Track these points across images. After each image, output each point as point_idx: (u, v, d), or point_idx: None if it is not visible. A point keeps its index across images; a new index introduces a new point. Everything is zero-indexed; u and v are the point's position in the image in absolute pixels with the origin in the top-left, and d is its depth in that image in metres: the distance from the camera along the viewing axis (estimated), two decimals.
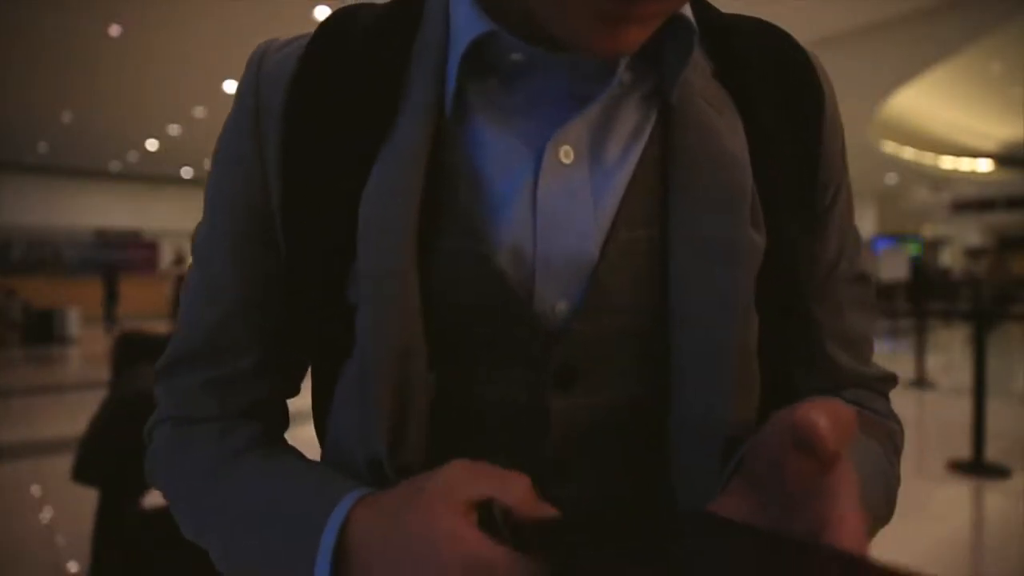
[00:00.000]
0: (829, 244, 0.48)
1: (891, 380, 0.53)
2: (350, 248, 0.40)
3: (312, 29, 0.46)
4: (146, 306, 14.77)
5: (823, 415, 0.29)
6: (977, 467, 3.83)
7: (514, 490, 0.33)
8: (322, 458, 0.47)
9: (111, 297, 12.20)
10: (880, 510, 0.44)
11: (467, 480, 0.33)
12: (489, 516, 0.32)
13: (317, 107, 0.43)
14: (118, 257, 15.92)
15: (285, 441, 0.51)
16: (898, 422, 0.51)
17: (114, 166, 15.51)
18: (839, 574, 0.23)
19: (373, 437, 0.39)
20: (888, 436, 0.49)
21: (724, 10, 0.48)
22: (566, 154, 0.41)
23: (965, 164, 16.99)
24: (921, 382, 6.60)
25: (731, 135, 0.42)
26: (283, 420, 0.52)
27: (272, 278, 0.46)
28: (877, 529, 0.45)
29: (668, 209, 0.41)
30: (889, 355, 9.84)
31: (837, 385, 0.50)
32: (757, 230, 0.41)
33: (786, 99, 0.45)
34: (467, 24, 0.40)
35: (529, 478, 0.34)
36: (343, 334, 0.41)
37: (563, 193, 0.40)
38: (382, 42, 0.43)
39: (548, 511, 0.34)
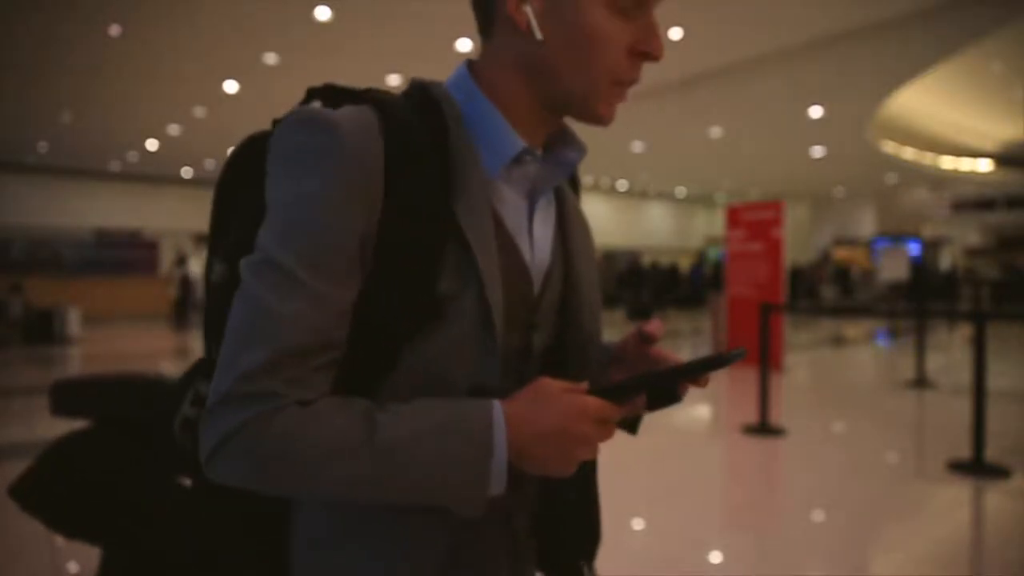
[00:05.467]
0: None
1: None
2: (437, 260, 0.63)
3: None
4: (146, 306, 14.77)
5: (652, 325, 0.72)
6: (977, 467, 3.83)
7: (572, 387, 0.64)
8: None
9: None
10: None
11: (555, 382, 0.64)
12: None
13: (408, 169, 0.64)
14: (118, 257, 15.92)
15: None
16: None
17: (114, 166, 15.51)
18: (672, 371, 0.65)
19: (491, 370, 0.65)
20: None
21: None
22: (540, 208, 0.75)
23: (965, 164, 16.99)
24: (921, 382, 6.62)
25: (577, 202, 0.85)
26: None
27: (357, 288, 0.62)
28: None
29: (565, 239, 0.78)
30: (889, 355, 9.83)
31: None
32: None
33: (573, 184, 0.88)
34: (502, 137, 0.69)
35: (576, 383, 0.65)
36: (429, 313, 0.63)
37: (541, 230, 0.75)
38: (430, 126, 0.67)
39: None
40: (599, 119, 0.69)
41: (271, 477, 0.57)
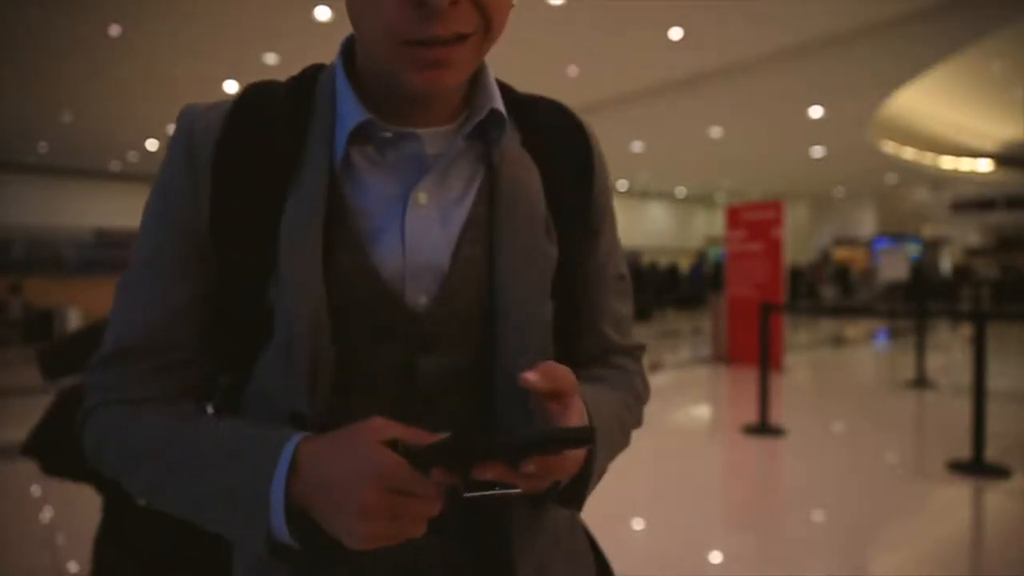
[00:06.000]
0: (599, 251, 0.70)
1: (642, 348, 0.76)
2: (268, 264, 0.56)
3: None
4: None
5: (538, 374, 0.52)
6: (977, 467, 3.83)
7: (414, 436, 0.51)
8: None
9: None
10: (615, 436, 0.66)
11: (386, 426, 0.51)
12: (395, 447, 0.50)
13: (239, 158, 0.58)
14: (118, 257, 15.91)
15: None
16: (644, 379, 0.75)
17: (114, 166, 15.50)
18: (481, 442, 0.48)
19: (297, 393, 0.55)
20: (630, 388, 0.72)
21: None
22: (423, 197, 0.60)
23: (965, 164, 16.97)
24: (921, 382, 6.61)
25: (532, 184, 0.64)
26: (203, 392, 0.65)
27: (203, 286, 0.59)
28: (618, 450, 0.67)
29: (494, 233, 0.61)
30: (889, 355, 9.83)
31: (606, 352, 0.72)
32: (551, 244, 0.63)
33: (568, 157, 0.68)
34: (350, 111, 0.59)
35: (426, 431, 0.52)
36: (263, 324, 0.57)
37: (421, 224, 0.59)
38: (286, 110, 0.61)
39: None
40: (412, 87, 0.55)
41: (102, 465, 0.61)
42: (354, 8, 0.54)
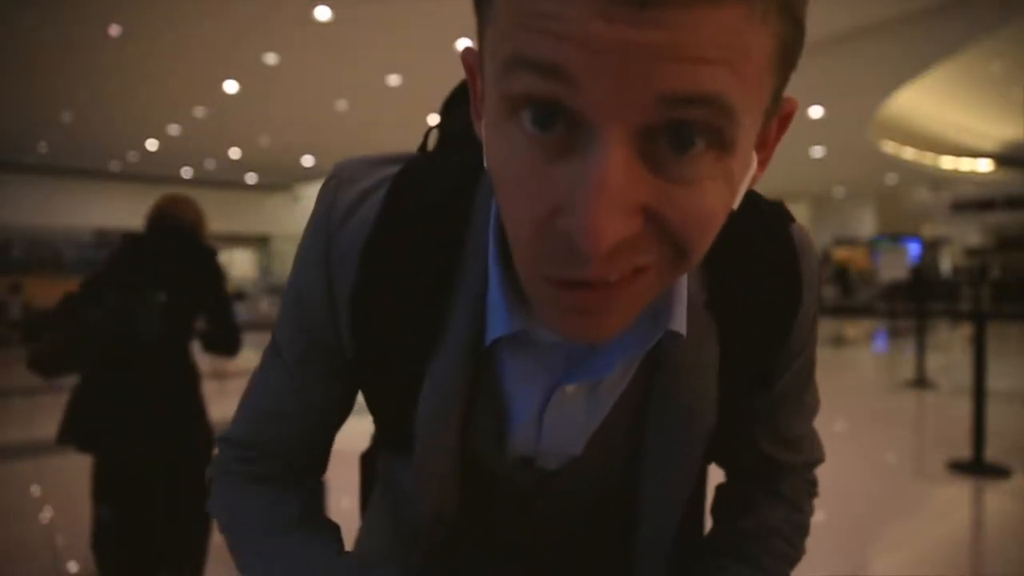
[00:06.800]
0: (776, 389, 0.59)
1: (819, 461, 0.68)
2: (411, 409, 0.54)
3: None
4: None
5: None
6: (977, 467, 3.83)
7: None
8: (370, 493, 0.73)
9: None
10: None
11: None
12: None
13: (381, 308, 0.52)
14: None
15: (323, 513, 0.64)
16: (810, 498, 0.68)
17: (114, 166, 15.50)
18: None
19: (417, 525, 0.61)
20: (800, 534, 0.66)
21: None
22: (570, 388, 0.52)
23: (965, 164, 16.96)
24: (921, 382, 6.61)
25: (704, 373, 0.53)
26: (321, 468, 0.67)
27: (334, 399, 0.59)
28: None
29: (643, 428, 0.55)
30: (889, 355, 9.83)
31: (769, 475, 0.65)
32: (713, 415, 0.55)
33: (766, 314, 0.54)
34: (499, 313, 0.49)
35: None
36: (408, 447, 0.56)
37: (563, 416, 0.54)
38: (434, 255, 0.51)
39: None
40: (554, 330, 0.40)
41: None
42: (498, 195, 0.38)
